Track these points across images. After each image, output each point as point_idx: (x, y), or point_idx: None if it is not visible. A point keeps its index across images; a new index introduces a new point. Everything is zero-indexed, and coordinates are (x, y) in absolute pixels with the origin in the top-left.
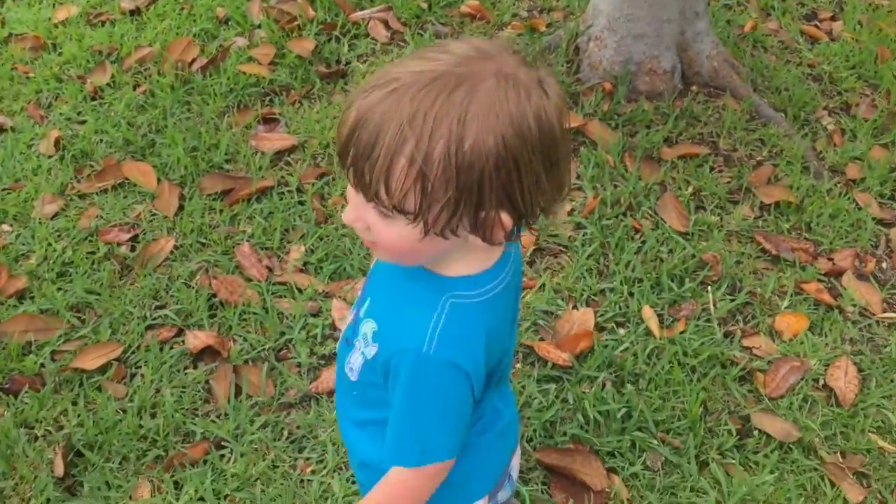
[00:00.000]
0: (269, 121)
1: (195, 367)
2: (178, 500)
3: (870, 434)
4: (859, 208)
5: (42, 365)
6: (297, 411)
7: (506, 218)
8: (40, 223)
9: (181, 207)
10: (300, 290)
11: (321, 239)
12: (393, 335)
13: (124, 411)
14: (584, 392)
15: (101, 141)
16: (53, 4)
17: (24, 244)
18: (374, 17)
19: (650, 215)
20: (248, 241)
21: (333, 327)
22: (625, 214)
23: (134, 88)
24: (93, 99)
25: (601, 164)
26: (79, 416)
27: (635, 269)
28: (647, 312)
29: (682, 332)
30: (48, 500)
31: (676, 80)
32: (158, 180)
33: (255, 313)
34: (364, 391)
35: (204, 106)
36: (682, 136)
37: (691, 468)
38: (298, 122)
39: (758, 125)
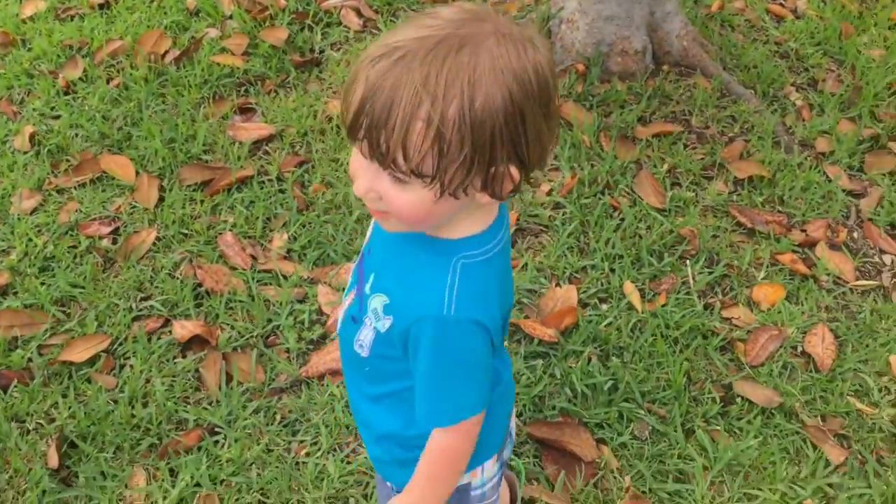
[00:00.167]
0: (245, 111)
1: (184, 357)
2: (174, 486)
3: (848, 397)
4: (829, 180)
5: (29, 359)
6: (288, 396)
7: (514, 171)
8: (19, 219)
9: (161, 199)
10: (285, 277)
11: (303, 226)
12: (407, 305)
13: (115, 402)
14: (570, 366)
15: (77, 135)
16: (20, 0)
17: (3, 240)
18: (345, 6)
19: (627, 193)
20: (230, 230)
21: (320, 312)
22: (602, 193)
23: (107, 82)
24: (66, 93)
25: (577, 145)
26: (70, 408)
27: (615, 246)
28: (629, 287)
29: (663, 306)
30: (44, 491)
31: (648, 60)
32: (137, 173)
33: (241, 301)
34: (377, 366)
35: (179, 97)
36: (656, 114)
37: (678, 436)
38: (275, 111)
39: (728, 102)
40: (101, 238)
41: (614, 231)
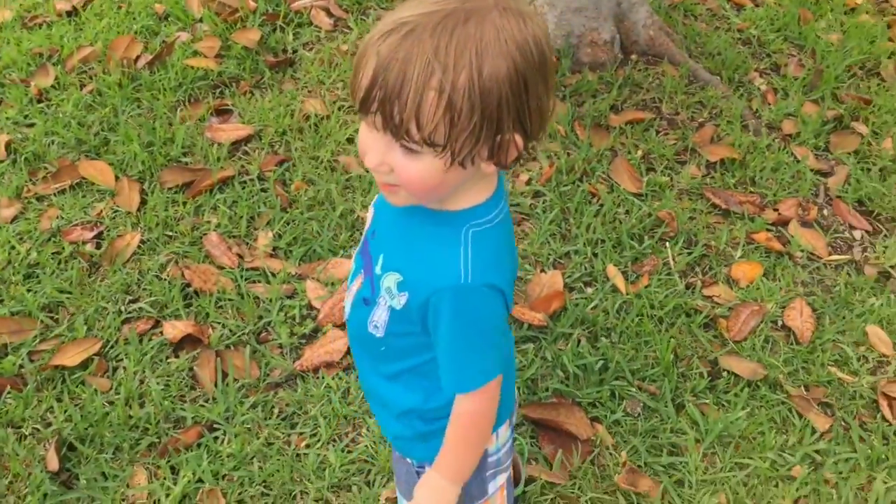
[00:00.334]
0: (222, 112)
1: (177, 356)
2: (176, 484)
3: (829, 367)
4: (797, 161)
5: (21, 366)
6: (284, 390)
7: (519, 139)
8: (0, 227)
9: (143, 202)
10: (273, 275)
11: (287, 224)
12: (422, 279)
13: (112, 403)
14: (560, 349)
15: (53, 142)
16: None
17: None
18: (315, 6)
19: (605, 179)
20: (215, 230)
21: (310, 307)
22: (581, 180)
23: (80, 88)
24: (38, 101)
25: (553, 134)
26: (66, 411)
27: (596, 231)
28: (612, 271)
29: (646, 287)
30: (45, 495)
31: (616, 50)
32: (116, 177)
33: (230, 299)
34: (393, 344)
35: (154, 101)
36: (627, 103)
37: (669, 411)
38: (252, 111)
39: (696, 89)
40: (84, 243)
41: (594, 216)
